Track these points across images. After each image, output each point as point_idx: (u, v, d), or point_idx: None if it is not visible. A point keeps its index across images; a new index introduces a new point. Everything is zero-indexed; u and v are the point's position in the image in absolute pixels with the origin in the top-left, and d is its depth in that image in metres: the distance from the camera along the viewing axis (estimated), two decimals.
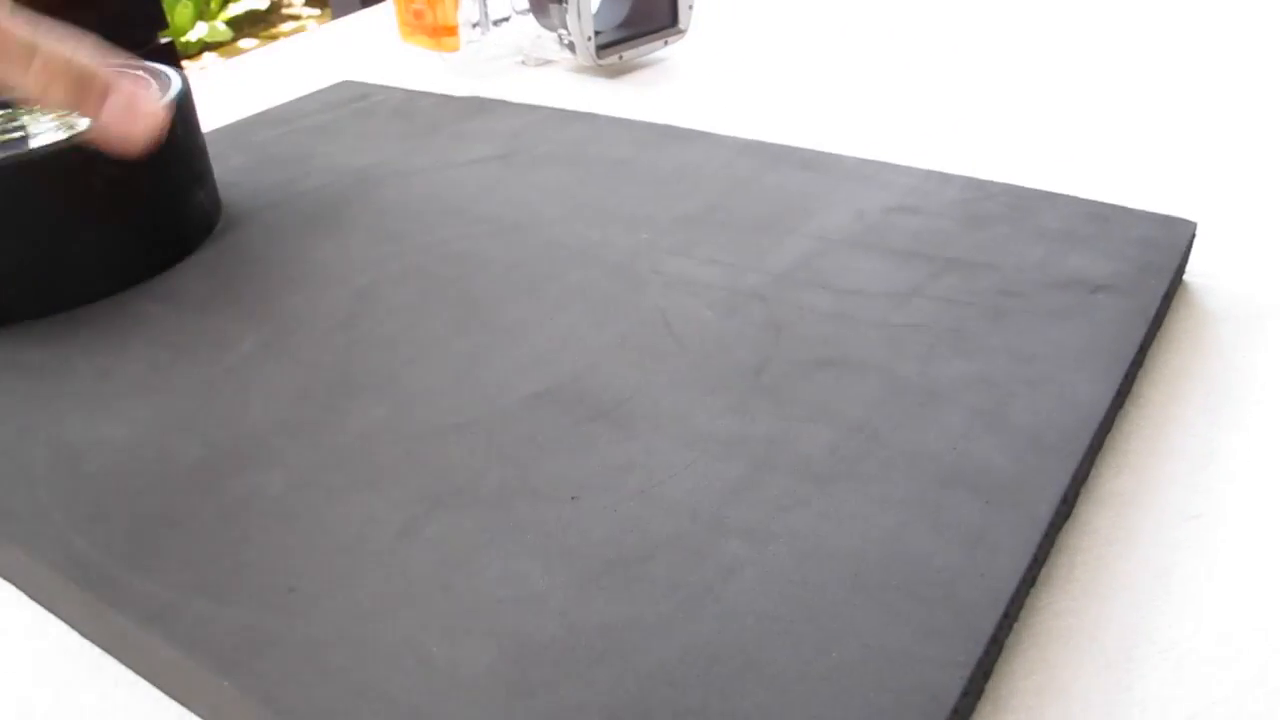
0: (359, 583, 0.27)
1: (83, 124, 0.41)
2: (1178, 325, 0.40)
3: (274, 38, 3.20)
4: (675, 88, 0.69)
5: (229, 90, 0.75)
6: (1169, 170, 0.53)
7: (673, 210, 0.46)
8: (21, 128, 0.42)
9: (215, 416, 0.34)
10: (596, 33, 0.69)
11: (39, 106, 0.41)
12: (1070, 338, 0.35)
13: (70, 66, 0.34)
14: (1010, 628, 0.27)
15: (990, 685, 0.26)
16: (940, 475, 0.30)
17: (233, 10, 3.26)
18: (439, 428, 0.33)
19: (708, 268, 0.41)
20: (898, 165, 0.49)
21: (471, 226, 0.46)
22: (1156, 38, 0.74)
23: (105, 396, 0.35)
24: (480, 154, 0.54)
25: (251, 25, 3.32)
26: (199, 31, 3.10)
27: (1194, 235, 0.42)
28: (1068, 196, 0.45)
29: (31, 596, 0.31)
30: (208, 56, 3.10)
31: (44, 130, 0.41)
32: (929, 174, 0.48)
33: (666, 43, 0.73)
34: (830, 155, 0.51)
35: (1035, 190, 0.46)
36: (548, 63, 0.75)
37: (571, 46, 0.69)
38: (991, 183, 0.47)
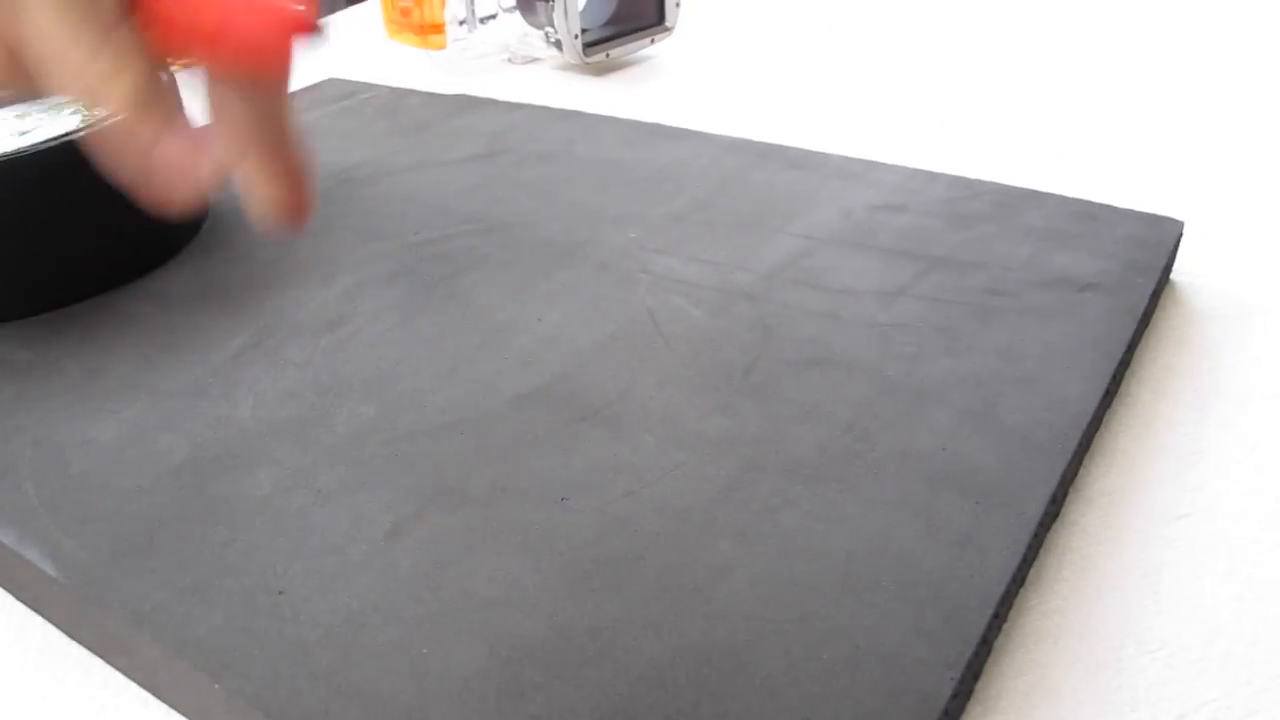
0: (348, 584, 0.27)
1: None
2: (1165, 324, 0.40)
3: None
4: (662, 86, 0.69)
5: None
6: (1156, 169, 0.53)
7: (660, 209, 0.46)
8: (33, 129, 0.41)
9: (203, 417, 0.34)
10: (583, 30, 0.69)
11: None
12: (1058, 337, 0.35)
13: (144, 68, 0.31)
14: (1000, 628, 0.27)
15: (980, 686, 0.26)
16: (929, 475, 0.30)
17: None
18: (427, 428, 0.33)
19: (696, 266, 0.41)
20: (885, 164, 0.49)
21: (459, 225, 0.46)
22: (1144, 37, 0.74)
23: (93, 396, 0.35)
24: (467, 152, 0.53)
25: None
26: None
27: (1181, 234, 0.42)
28: (1055, 195, 0.45)
29: (18, 597, 0.31)
30: None
31: (57, 130, 0.41)
32: (916, 172, 0.48)
33: (653, 41, 0.73)
34: (817, 153, 0.51)
35: (1022, 189, 0.46)
36: (535, 60, 0.75)
37: (558, 44, 0.69)
38: (979, 181, 0.47)
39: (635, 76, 0.71)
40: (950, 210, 0.44)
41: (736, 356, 0.35)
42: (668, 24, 0.73)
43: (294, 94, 0.31)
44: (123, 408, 0.35)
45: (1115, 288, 0.38)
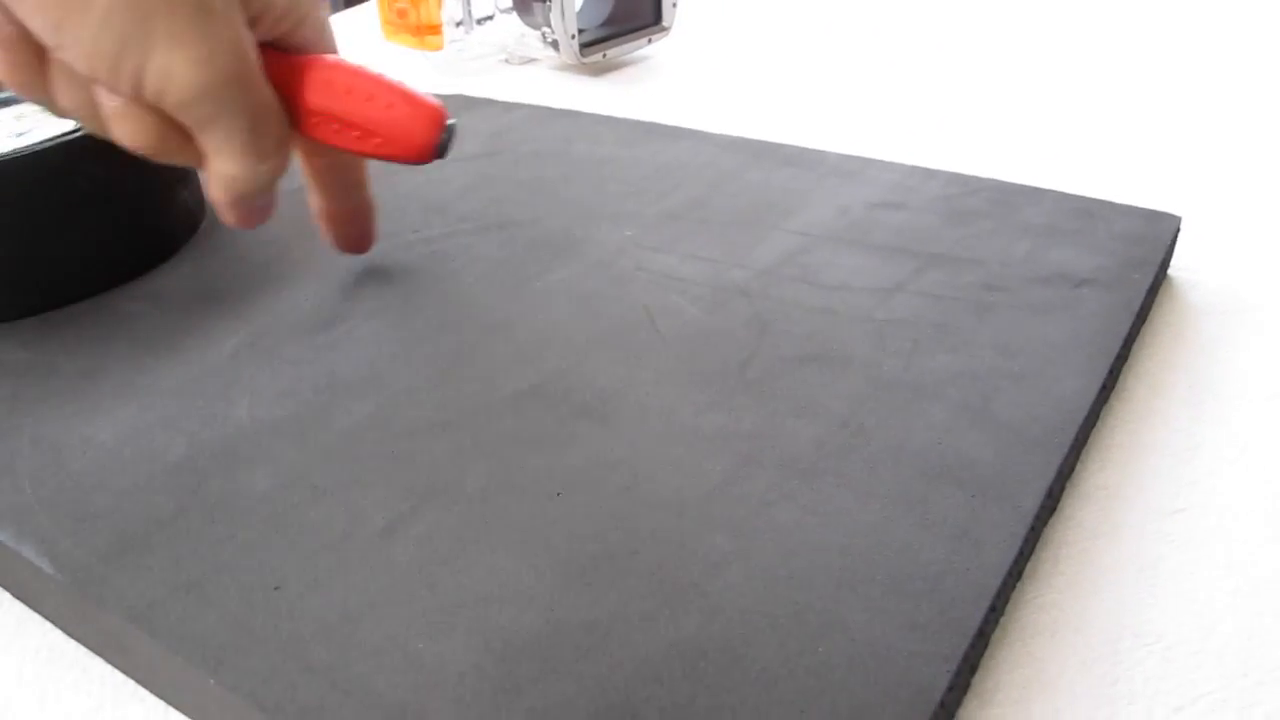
0: (344, 580, 0.27)
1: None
2: (1162, 319, 0.40)
3: None
4: (659, 85, 0.69)
5: None
6: (1153, 165, 0.53)
7: (657, 207, 0.46)
8: (30, 130, 0.41)
9: (200, 415, 0.34)
10: (580, 31, 0.69)
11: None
12: (1055, 332, 0.35)
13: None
14: (996, 622, 0.27)
15: (976, 679, 0.26)
16: (925, 470, 0.30)
17: None
18: (423, 425, 0.33)
19: (692, 264, 0.41)
20: (881, 161, 0.49)
21: (456, 224, 0.46)
22: (1141, 33, 0.74)
23: (89, 396, 0.35)
24: (464, 152, 0.53)
25: None
26: None
27: (1178, 230, 0.42)
28: (1052, 191, 0.45)
29: (16, 595, 0.31)
30: None
31: (55, 131, 0.41)
32: (913, 169, 0.48)
33: (650, 40, 0.73)
34: (814, 151, 0.51)
35: (1019, 185, 0.46)
36: (532, 61, 0.75)
37: (555, 45, 0.69)
38: (975, 178, 0.47)
39: (632, 76, 0.71)
40: (947, 207, 0.44)
41: (733, 353, 0.35)
42: (664, 24, 0.73)
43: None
44: (120, 406, 0.35)
45: (1112, 283, 0.38)
